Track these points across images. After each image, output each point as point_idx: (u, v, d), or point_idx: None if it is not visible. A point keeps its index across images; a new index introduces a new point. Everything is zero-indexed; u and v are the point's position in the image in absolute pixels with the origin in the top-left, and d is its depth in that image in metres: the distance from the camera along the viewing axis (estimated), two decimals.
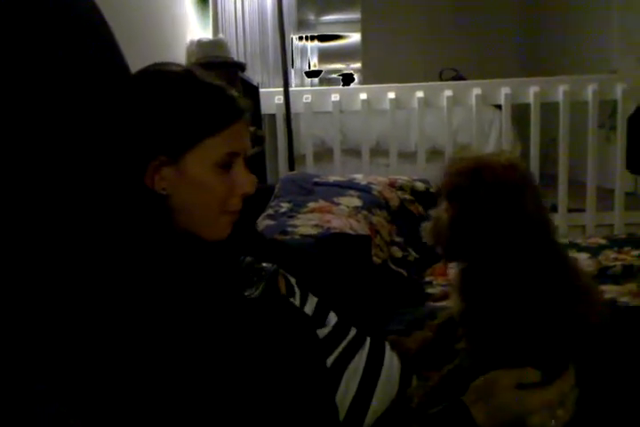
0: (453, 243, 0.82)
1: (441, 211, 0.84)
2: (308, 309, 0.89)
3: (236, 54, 2.90)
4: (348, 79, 6.07)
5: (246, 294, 0.77)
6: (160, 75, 0.79)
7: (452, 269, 1.71)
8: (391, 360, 0.89)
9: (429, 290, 1.56)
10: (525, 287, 0.80)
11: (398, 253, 1.69)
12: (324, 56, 6.21)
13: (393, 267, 1.61)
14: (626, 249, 1.72)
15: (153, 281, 0.70)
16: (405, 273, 1.62)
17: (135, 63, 1.09)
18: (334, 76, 6.19)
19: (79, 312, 0.68)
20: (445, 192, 0.83)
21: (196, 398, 0.64)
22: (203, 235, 0.80)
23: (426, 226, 0.86)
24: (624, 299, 1.40)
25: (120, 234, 0.75)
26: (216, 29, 2.77)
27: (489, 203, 0.78)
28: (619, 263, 1.61)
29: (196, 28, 2.51)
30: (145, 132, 0.75)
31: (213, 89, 0.79)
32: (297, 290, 0.90)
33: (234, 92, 0.82)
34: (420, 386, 0.87)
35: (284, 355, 0.71)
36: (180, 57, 2.30)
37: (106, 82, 0.92)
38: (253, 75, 3.04)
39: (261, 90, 2.85)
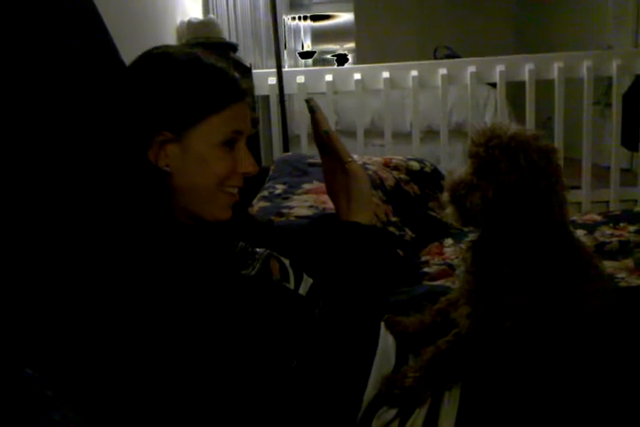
0: (474, 210, 0.83)
1: (462, 173, 0.84)
2: (302, 290, 0.89)
3: (228, 35, 2.86)
4: (342, 60, 6.01)
5: (243, 272, 0.78)
6: (165, 55, 0.81)
7: (449, 249, 1.72)
8: (386, 340, 0.90)
9: (426, 269, 1.56)
10: (539, 265, 0.82)
11: (395, 232, 1.69)
12: (318, 36, 6.13)
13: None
14: (622, 225, 1.72)
15: (151, 260, 0.71)
16: (402, 253, 1.61)
17: (125, 44, 1.07)
18: (328, 56, 6.12)
19: (78, 289, 0.69)
20: (476, 164, 0.83)
21: (199, 373, 0.67)
22: (203, 214, 0.81)
23: (445, 186, 0.86)
24: (621, 275, 1.40)
25: (121, 212, 0.76)
26: (206, 9, 2.74)
27: (520, 185, 0.80)
28: (615, 239, 1.60)
29: (185, 8, 2.48)
30: (149, 108, 0.77)
31: (217, 69, 0.81)
32: (291, 272, 0.91)
33: (236, 74, 0.84)
34: (415, 362, 0.87)
35: (282, 333, 0.71)
36: (170, 38, 2.27)
37: (93, 61, 0.92)
38: (245, 56, 3.00)
39: (254, 71, 2.82)
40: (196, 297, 0.69)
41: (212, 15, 2.66)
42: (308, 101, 0.86)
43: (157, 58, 0.81)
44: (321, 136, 0.84)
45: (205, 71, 0.80)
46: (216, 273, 0.75)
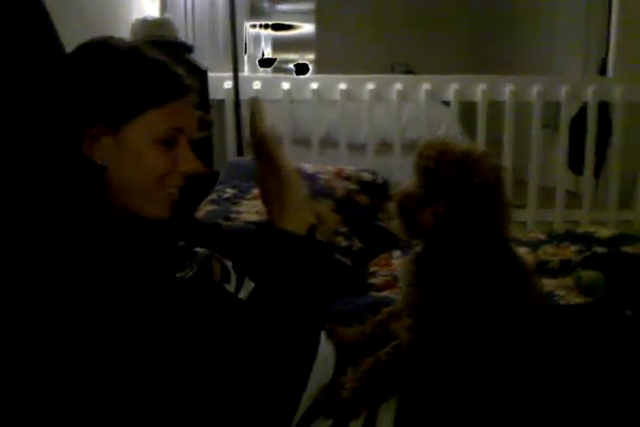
0: (424, 226, 0.82)
1: (411, 186, 0.83)
2: (243, 294, 0.87)
3: (185, 35, 2.82)
4: (302, 69, 6.03)
5: (178, 275, 0.75)
6: (105, 46, 0.78)
7: (396, 260, 1.72)
8: (325, 350, 0.88)
9: (372, 280, 1.55)
10: (479, 281, 0.83)
11: (343, 242, 1.68)
12: (279, 45, 6.13)
13: (337, 256, 1.60)
14: (564, 245, 1.76)
15: (84, 256, 0.68)
16: (350, 262, 1.60)
17: (76, 40, 1.03)
18: (290, 66, 6.13)
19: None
20: (426, 178, 0.82)
21: (120, 376, 0.64)
22: (140, 211, 0.78)
23: (394, 198, 0.85)
24: (560, 293, 1.43)
25: (53, 206, 0.73)
26: (163, 8, 2.70)
27: (471, 202, 0.80)
28: (556, 258, 1.63)
29: (141, 6, 2.43)
30: (84, 100, 0.74)
31: (158, 63, 0.79)
32: (233, 274, 0.88)
33: (179, 70, 0.81)
34: (354, 372, 0.85)
35: (216, 337, 0.69)
36: (124, 35, 2.21)
37: (36, 57, 0.88)
38: (202, 59, 2.96)
39: (210, 74, 2.78)
40: (123, 296, 0.66)
41: (168, 14, 2.62)
42: (252, 99, 0.83)
43: (97, 48, 0.78)
44: (257, 138, 0.82)
45: (146, 64, 0.77)
46: (146, 272, 0.71)
